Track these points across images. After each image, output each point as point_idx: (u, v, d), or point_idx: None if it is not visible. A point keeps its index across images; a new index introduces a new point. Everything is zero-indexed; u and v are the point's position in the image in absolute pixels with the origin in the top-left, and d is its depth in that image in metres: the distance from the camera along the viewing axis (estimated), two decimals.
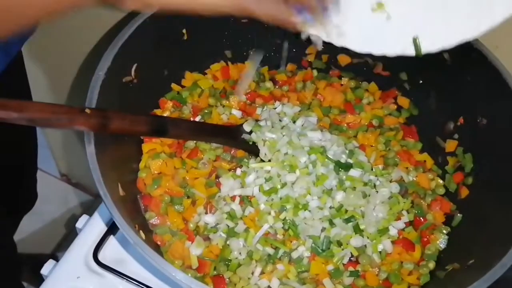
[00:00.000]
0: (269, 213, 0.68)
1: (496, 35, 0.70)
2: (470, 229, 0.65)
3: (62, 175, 1.74)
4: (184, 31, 0.73)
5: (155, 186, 0.68)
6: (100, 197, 0.54)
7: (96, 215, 0.73)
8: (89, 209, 1.67)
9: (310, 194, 0.68)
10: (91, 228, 0.72)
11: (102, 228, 0.70)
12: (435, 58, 0.70)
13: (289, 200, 0.68)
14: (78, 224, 0.76)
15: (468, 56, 0.67)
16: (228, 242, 0.66)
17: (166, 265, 0.54)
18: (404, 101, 0.79)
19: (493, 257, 0.53)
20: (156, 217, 0.67)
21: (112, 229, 0.68)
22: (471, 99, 0.69)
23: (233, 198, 0.69)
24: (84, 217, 0.76)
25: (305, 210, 0.67)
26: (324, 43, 0.50)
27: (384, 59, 0.78)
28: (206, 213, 0.69)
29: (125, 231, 0.54)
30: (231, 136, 0.71)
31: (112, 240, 0.70)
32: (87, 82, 0.61)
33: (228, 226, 0.67)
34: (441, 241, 0.68)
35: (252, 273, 0.65)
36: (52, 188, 1.65)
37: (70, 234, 1.56)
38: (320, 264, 0.66)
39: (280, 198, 0.68)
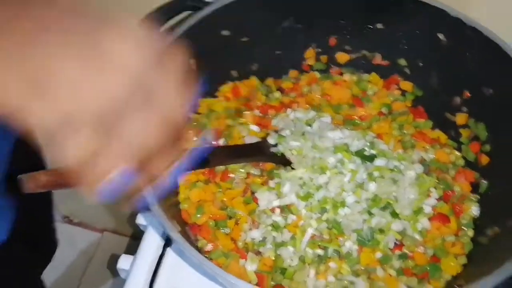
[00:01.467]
0: (311, 217, 0.71)
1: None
2: (499, 192, 0.70)
3: (64, 217, 1.74)
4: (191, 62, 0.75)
5: (199, 215, 0.71)
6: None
7: (142, 254, 0.74)
8: (97, 246, 1.68)
9: (345, 191, 0.71)
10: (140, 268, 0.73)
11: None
12: (431, 40, 0.76)
13: (327, 201, 0.71)
14: (121, 265, 0.78)
15: (463, 33, 0.71)
16: (278, 252, 0.69)
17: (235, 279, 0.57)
18: (407, 85, 0.83)
19: None
20: (208, 243, 0.69)
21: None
22: (472, 73, 0.74)
23: (272, 210, 0.72)
24: (126, 258, 0.78)
25: (343, 207, 0.71)
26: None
27: (380, 49, 0.83)
28: (251, 229, 0.72)
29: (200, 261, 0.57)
30: (261, 152, 0.74)
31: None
32: None
33: (275, 237, 0.70)
34: (473, 209, 0.72)
35: (308, 276, 0.69)
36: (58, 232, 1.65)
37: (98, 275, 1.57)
38: (368, 254, 0.69)
39: (318, 201, 0.71)
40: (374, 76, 0.84)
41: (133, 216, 1.32)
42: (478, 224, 0.70)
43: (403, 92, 0.83)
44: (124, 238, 1.66)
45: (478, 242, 0.68)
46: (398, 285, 0.67)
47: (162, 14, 0.74)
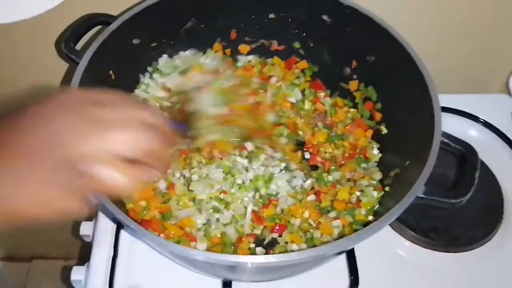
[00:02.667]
0: (246, 197, 0.80)
1: None
2: (394, 138, 0.83)
3: None
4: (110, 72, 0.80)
5: (145, 212, 0.77)
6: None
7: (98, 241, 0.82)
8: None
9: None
10: None
11: None
12: (318, 22, 0.87)
13: (258, 178, 0.81)
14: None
15: (343, 12, 0.83)
16: (224, 231, 0.78)
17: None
18: (303, 64, 0.94)
19: (422, 153, 0.68)
20: (160, 234, 0.75)
21: None
22: (356, 45, 0.86)
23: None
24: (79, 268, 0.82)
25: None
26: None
27: (276, 36, 0.93)
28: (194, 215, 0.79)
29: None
30: None
31: None
32: None
33: (218, 219, 0.79)
34: (374, 153, 0.86)
35: None
36: None
37: None
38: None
39: (250, 180, 0.81)
40: (276, 59, 0.94)
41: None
42: (382, 169, 0.84)
43: (302, 70, 0.95)
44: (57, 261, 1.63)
45: (385, 184, 0.81)
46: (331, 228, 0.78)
47: (74, 33, 0.78)
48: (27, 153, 0.41)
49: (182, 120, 0.67)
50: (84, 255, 1.49)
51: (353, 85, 0.90)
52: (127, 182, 0.44)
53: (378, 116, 0.87)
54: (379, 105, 0.87)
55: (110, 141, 0.43)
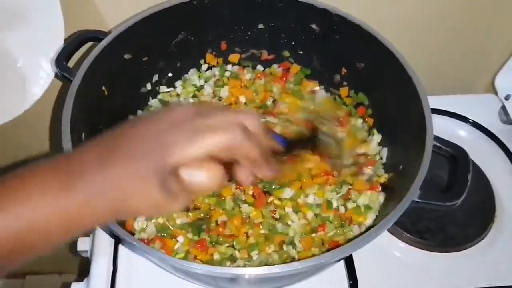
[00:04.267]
0: None
1: None
2: (387, 143, 0.85)
3: None
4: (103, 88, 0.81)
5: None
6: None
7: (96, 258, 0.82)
8: None
9: None
10: None
11: None
12: (306, 31, 0.89)
13: None
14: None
15: (331, 21, 0.84)
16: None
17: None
18: (295, 68, 0.95)
19: (415, 158, 0.69)
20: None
21: None
22: (345, 53, 0.87)
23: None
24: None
25: None
26: None
27: (265, 45, 0.94)
28: None
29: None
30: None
31: None
32: None
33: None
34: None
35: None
36: None
37: None
38: None
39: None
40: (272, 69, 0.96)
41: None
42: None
43: None
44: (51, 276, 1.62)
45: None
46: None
47: (66, 50, 0.79)
48: (134, 155, 0.46)
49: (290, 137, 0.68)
50: (81, 269, 1.49)
51: (343, 91, 0.91)
52: (212, 181, 0.47)
53: (370, 121, 0.88)
54: (370, 111, 0.89)
55: (208, 144, 0.45)
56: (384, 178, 0.82)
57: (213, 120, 0.47)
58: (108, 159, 0.46)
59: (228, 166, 0.49)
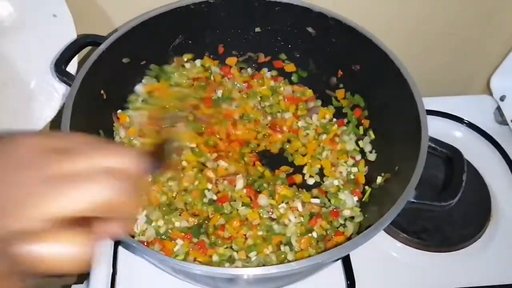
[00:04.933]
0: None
1: None
2: (383, 144, 0.86)
3: None
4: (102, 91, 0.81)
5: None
6: None
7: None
8: None
9: None
10: None
11: None
12: (303, 34, 0.90)
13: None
14: None
15: (327, 24, 0.85)
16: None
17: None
18: (291, 67, 0.96)
19: (410, 158, 0.70)
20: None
21: None
22: (341, 55, 0.88)
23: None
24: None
25: None
26: None
27: (262, 48, 0.95)
28: None
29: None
30: None
31: None
32: None
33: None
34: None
35: None
36: None
37: None
38: None
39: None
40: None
41: None
42: (373, 175, 0.86)
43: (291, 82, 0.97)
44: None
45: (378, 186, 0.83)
46: None
47: (65, 55, 0.79)
48: None
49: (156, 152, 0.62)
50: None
51: (340, 94, 0.92)
52: (78, 251, 0.35)
53: (366, 123, 0.89)
54: (366, 113, 0.89)
55: (69, 202, 0.33)
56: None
57: (75, 164, 0.35)
58: None
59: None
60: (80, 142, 0.38)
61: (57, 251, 0.34)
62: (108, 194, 0.35)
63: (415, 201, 0.66)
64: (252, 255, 0.76)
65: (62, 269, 0.34)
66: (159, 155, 0.57)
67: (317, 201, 0.83)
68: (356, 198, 0.83)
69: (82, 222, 0.35)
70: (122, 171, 0.37)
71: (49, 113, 0.88)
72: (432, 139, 0.72)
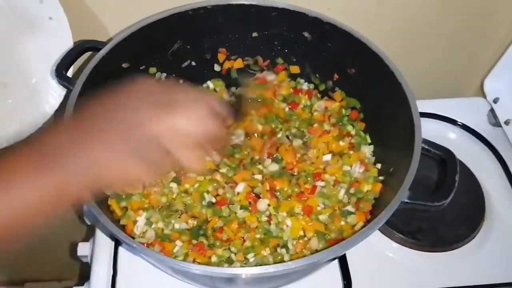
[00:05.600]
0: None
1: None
2: (378, 146, 0.87)
3: None
4: None
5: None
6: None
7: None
8: None
9: None
10: None
11: None
12: (299, 38, 0.91)
13: None
14: None
15: (323, 29, 0.87)
16: None
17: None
18: (295, 69, 0.96)
19: (405, 160, 0.71)
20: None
21: None
22: (337, 59, 0.90)
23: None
24: None
25: None
26: None
27: (259, 53, 0.97)
28: None
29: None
30: None
31: None
32: None
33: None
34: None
35: None
36: None
37: None
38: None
39: None
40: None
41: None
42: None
43: None
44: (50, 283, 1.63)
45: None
46: None
47: (65, 60, 0.81)
48: (109, 128, 0.49)
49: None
50: (81, 276, 1.50)
51: (337, 96, 0.93)
52: (198, 163, 0.51)
53: (361, 125, 0.91)
54: (361, 115, 0.91)
55: (183, 121, 0.49)
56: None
57: (182, 95, 0.51)
58: (82, 138, 0.48)
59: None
60: (183, 85, 0.59)
61: (187, 156, 0.50)
62: (209, 124, 0.51)
63: (409, 201, 0.67)
64: (250, 256, 0.77)
65: (183, 169, 0.52)
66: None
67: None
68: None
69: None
70: (214, 106, 0.52)
71: (48, 112, 0.91)
72: (426, 141, 0.73)
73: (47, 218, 0.49)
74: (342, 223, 0.79)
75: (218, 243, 0.78)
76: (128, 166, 0.48)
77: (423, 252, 0.87)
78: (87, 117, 0.51)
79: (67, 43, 0.88)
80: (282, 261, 0.76)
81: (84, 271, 0.85)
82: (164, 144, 0.49)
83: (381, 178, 0.83)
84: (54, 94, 0.91)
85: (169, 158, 0.50)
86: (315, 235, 0.77)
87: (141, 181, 0.51)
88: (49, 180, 0.47)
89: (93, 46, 0.84)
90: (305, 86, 0.97)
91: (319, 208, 0.81)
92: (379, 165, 0.85)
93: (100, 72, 0.79)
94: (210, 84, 0.98)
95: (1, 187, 0.46)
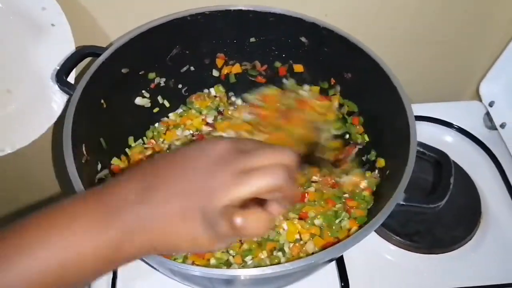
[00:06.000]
0: None
1: (324, 5, 0.94)
2: (375, 150, 0.88)
3: None
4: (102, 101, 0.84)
5: None
6: None
7: None
8: None
9: None
10: None
11: None
12: (296, 43, 0.92)
13: None
14: None
15: (320, 34, 0.88)
16: None
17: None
18: (299, 68, 0.97)
19: (400, 163, 0.72)
20: None
21: None
22: (333, 64, 0.91)
23: None
24: None
25: None
26: None
27: (257, 57, 0.98)
28: None
29: None
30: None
31: None
32: None
33: None
34: None
35: None
36: None
37: None
38: None
39: None
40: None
41: None
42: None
43: None
44: None
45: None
46: None
47: (65, 66, 0.82)
48: (177, 194, 0.46)
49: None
50: None
51: (334, 99, 0.94)
52: (265, 228, 0.48)
53: (360, 129, 0.92)
54: (362, 119, 0.92)
55: (255, 186, 0.46)
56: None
57: (256, 161, 0.47)
58: (149, 196, 0.46)
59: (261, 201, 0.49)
60: (255, 145, 0.51)
61: (250, 222, 0.46)
62: (279, 181, 0.47)
63: (404, 203, 0.68)
64: (248, 259, 0.78)
65: (253, 235, 0.48)
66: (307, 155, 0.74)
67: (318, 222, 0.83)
68: None
69: (260, 204, 0.49)
70: (287, 165, 0.49)
71: (51, 118, 0.92)
72: (421, 144, 0.74)
73: (97, 274, 0.47)
74: (335, 227, 0.81)
75: None
76: (195, 236, 0.46)
77: (420, 254, 0.88)
78: (159, 174, 0.48)
79: (70, 50, 0.89)
80: (279, 263, 0.77)
81: None
82: (230, 217, 0.46)
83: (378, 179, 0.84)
84: (58, 100, 0.92)
85: (237, 232, 0.47)
86: (311, 238, 0.78)
87: (209, 250, 0.48)
88: (108, 236, 0.45)
89: (92, 51, 0.85)
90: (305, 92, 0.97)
91: (312, 214, 0.82)
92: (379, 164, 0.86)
93: (100, 77, 0.80)
94: (212, 90, 1.00)
95: (53, 235, 0.44)
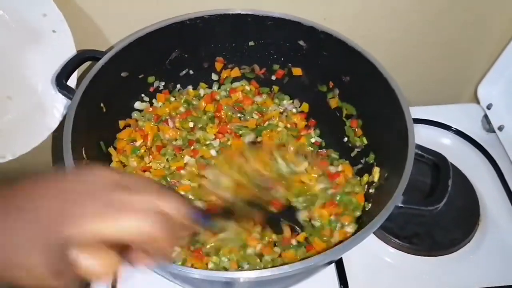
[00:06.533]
0: None
1: (323, 9, 0.94)
2: (374, 152, 0.88)
3: None
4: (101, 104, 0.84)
5: None
6: None
7: None
8: None
9: None
10: None
11: None
12: (294, 47, 0.93)
13: None
14: None
15: (318, 37, 0.89)
16: None
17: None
18: (298, 71, 0.97)
19: (399, 165, 0.72)
20: None
21: None
22: (331, 67, 0.91)
23: None
24: None
25: None
26: None
27: (256, 61, 0.98)
28: None
29: None
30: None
31: None
32: None
33: None
34: None
35: None
36: None
37: None
38: None
39: None
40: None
41: None
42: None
43: None
44: None
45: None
46: None
47: (65, 70, 0.82)
48: (31, 219, 0.41)
49: (209, 212, 0.67)
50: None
51: (333, 103, 0.95)
52: (103, 271, 0.43)
53: (358, 132, 0.92)
54: (360, 122, 0.92)
55: (117, 227, 0.42)
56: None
57: (135, 199, 0.43)
58: (4, 219, 0.41)
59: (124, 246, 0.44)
60: (142, 183, 0.47)
61: (91, 264, 0.42)
62: (148, 228, 0.42)
63: (403, 205, 0.68)
64: (244, 264, 0.78)
65: (89, 278, 0.43)
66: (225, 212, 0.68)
67: None
68: None
69: (121, 249, 0.44)
70: (168, 214, 0.44)
71: (52, 124, 0.92)
72: (419, 146, 0.74)
73: None
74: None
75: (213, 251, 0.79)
76: (35, 269, 0.41)
77: (419, 257, 0.88)
78: (23, 194, 0.43)
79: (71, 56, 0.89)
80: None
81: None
82: (73, 252, 0.41)
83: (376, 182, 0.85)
84: (58, 106, 0.92)
85: (73, 267, 0.42)
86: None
87: (49, 285, 0.42)
88: None
89: (92, 55, 0.85)
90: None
91: None
92: (378, 167, 0.86)
93: (100, 81, 0.81)
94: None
95: None
